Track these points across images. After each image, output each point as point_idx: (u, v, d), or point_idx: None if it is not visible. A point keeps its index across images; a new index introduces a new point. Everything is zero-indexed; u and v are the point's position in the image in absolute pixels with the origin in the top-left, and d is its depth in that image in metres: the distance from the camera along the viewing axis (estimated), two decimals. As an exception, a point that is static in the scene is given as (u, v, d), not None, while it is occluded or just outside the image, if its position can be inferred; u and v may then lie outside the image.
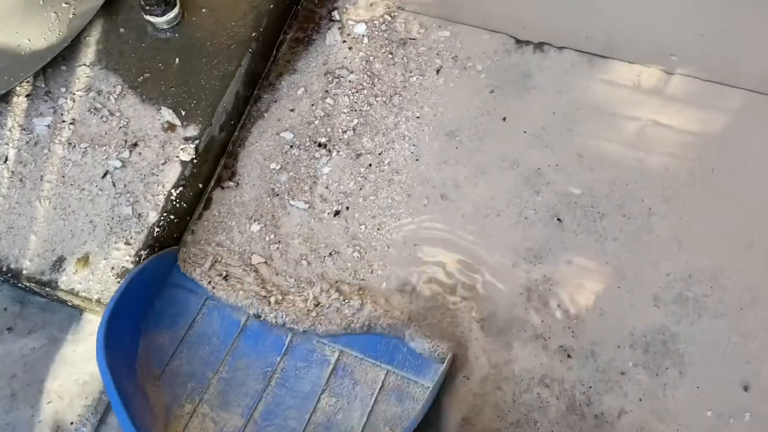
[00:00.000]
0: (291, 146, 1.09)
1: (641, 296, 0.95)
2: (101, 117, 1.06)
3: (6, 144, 1.05)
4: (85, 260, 0.97)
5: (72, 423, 0.95)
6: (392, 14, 1.18)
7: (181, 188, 1.01)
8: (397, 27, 1.17)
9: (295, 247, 1.01)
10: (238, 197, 1.06)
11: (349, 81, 1.14)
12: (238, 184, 1.08)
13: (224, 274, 0.98)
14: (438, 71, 1.13)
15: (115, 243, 0.97)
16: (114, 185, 1.01)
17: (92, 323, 1.02)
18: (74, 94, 1.08)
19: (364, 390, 0.88)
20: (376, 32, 1.17)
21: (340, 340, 0.91)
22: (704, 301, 0.94)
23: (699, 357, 0.91)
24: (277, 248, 1.01)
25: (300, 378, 0.90)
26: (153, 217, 0.98)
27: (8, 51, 1.04)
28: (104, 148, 1.04)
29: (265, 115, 1.12)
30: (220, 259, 1.00)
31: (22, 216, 1.00)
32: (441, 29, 1.17)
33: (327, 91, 1.13)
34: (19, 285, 1.00)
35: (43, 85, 1.09)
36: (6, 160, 1.04)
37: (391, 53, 1.15)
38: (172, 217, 1.00)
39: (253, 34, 1.12)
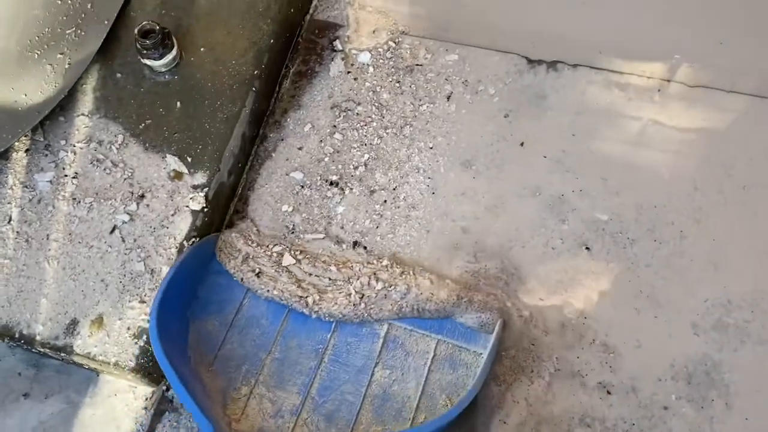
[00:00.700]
0: (302, 186, 1.05)
1: (679, 325, 0.91)
2: (104, 169, 1.02)
3: (9, 203, 1.01)
4: (99, 322, 0.93)
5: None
6: (396, 40, 1.14)
7: (193, 239, 0.97)
8: (403, 53, 1.13)
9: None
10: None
11: (357, 114, 1.10)
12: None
13: (257, 270, 0.97)
14: (449, 98, 1.09)
15: (129, 302, 0.94)
16: (123, 240, 0.97)
17: (110, 384, 0.98)
18: (74, 146, 1.04)
19: (416, 360, 0.89)
20: (381, 60, 1.13)
21: None
22: (746, 327, 0.90)
23: (745, 386, 0.87)
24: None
25: (352, 353, 0.91)
26: (166, 272, 0.95)
27: (5, 108, 1.00)
28: (110, 202, 1.00)
29: (273, 155, 1.08)
30: (251, 255, 0.98)
31: (31, 278, 0.96)
32: (448, 53, 1.12)
33: (335, 125, 1.09)
34: (33, 350, 0.97)
35: (42, 139, 1.05)
36: (10, 220, 1.00)
37: (399, 81, 1.11)
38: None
39: (255, 72, 1.08)
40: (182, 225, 0.98)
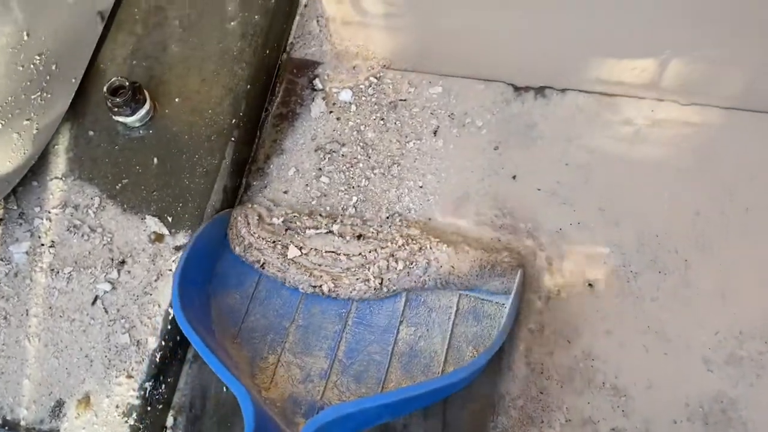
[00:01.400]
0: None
1: (691, 361, 0.88)
2: (82, 235, 0.98)
3: (-16, 278, 0.97)
4: (86, 401, 0.89)
5: None
6: (378, 75, 1.10)
7: (178, 305, 0.93)
8: (385, 89, 1.09)
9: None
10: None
11: (342, 155, 1.05)
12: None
13: (261, 261, 0.95)
14: (435, 132, 1.05)
15: (116, 377, 0.89)
16: (106, 311, 0.93)
17: (103, 460, 0.94)
18: (50, 212, 1.00)
19: (440, 316, 0.89)
20: (363, 97, 1.09)
21: None
22: (760, 359, 0.87)
23: (763, 423, 0.84)
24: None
25: (375, 314, 0.90)
26: (153, 342, 0.90)
27: (-28, 181, 0.96)
28: (90, 270, 0.96)
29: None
30: (253, 245, 0.96)
31: (12, 359, 0.92)
32: (432, 85, 1.08)
33: (320, 168, 1.05)
34: (19, 433, 0.93)
35: (15, 207, 1.01)
36: (-14, 296, 0.96)
37: (383, 119, 1.07)
38: (175, 339, 0.92)
39: (233, 121, 1.03)
40: (166, 291, 0.93)
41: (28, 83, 0.95)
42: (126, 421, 0.87)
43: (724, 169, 0.97)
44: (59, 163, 1.03)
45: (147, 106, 1.02)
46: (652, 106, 1.02)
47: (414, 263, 0.90)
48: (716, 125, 1.00)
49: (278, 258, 0.94)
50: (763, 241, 0.92)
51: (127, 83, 0.99)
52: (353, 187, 1.03)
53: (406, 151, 1.05)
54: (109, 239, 0.97)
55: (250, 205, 1.01)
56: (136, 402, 0.88)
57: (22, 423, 0.89)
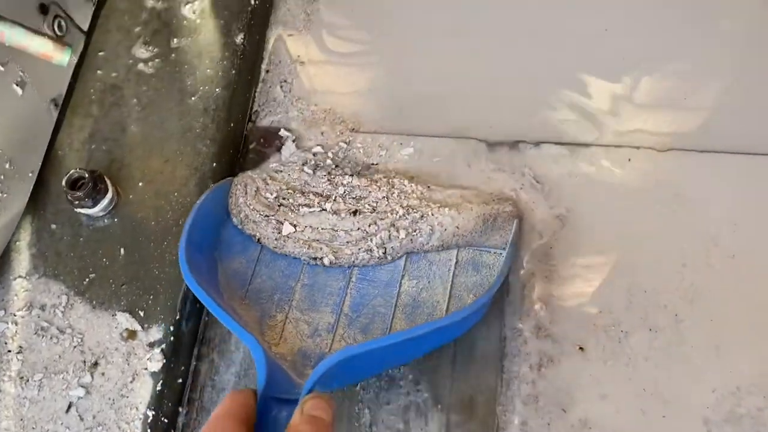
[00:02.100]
0: (269, 318, 0.98)
1: (690, 422, 0.85)
2: (51, 338, 0.93)
3: (-50, 391, 0.92)
4: None
5: None
6: (347, 140, 1.07)
7: (154, 409, 0.89)
8: (355, 153, 1.06)
9: None
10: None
11: (317, 227, 1.02)
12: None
13: (257, 237, 0.96)
14: (411, 196, 1.02)
15: (96, 491, 0.85)
16: (82, 419, 0.89)
17: None
18: (15, 315, 0.95)
19: (440, 268, 0.91)
20: (334, 164, 1.06)
21: None
22: (760, 415, 0.84)
23: (770, 483, 0.82)
24: None
25: (378, 270, 0.92)
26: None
27: (-71, 293, 0.91)
28: (62, 376, 0.91)
29: (233, 287, 1.01)
30: (249, 216, 0.96)
31: (-16, 479, 0.87)
32: (404, 147, 1.06)
33: (295, 243, 1.02)
34: None
35: (-22, 312, 0.96)
36: (-47, 411, 0.91)
37: (356, 185, 1.04)
38: (154, 441, 0.88)
39: (201, 202, 1.00)
40: (143, 391, 0.89)
41: (-19, 187, 0.91)
42: None
43: (706, 216, 0.95)
44: (22, 260, 0.99)
45: (109, 194, 0.98)
46: (629, 155, 1.00)
47: (417, 230, 0.92)
48: (694, 171, 0.98)
49: (273, 232, 0.96)
50: (750, 289, 0.90)
51: (87, 174, 0.95)
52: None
53: (381, 217, 1.01)
54: (79, 340, 0.93)
55: (250, 174, 1.01)
56: None
57: None
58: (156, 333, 0.92)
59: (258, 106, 1.14)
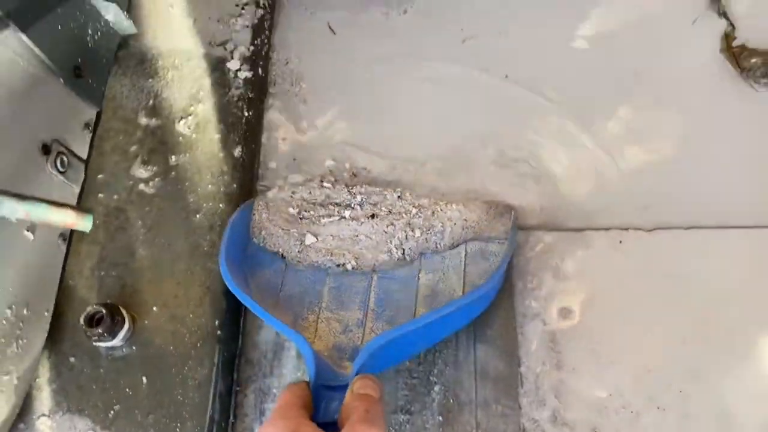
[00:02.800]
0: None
1: (706, 497, 0.91)
2: (82, 476, 0.95)
3: None
4: None
5: None
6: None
7: None
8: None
9: None
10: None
11: (331, 332, 1.06)
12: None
13: (280, 252, 1.05)
14: (418, 294, 1.07)
15: None
16: None
17: None
18: (44, 456, 0.96)
19: (453, 260, 1.00)
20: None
21: None
22: (770, 484, 0.90)
23: None
24: None
25: (396, 268, 1.02)
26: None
27: (-43, 448, 0.92)
28: None
29: (250, 398, 1.03)
30: (272, 232, 1.06)
31: None
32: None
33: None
34: None
35: (5, 457, 0.97)
36: None
37: (364, 287, 1.08)
38: None
39: (216, 322, 1.02)
40: None
41: (2, 340, 0.92)
42: None
43: (701, 293, 1.01)
44: (44, 398, 1.00)
45: (126, 325, 1.00)
46: (620, 237, 1.06)
47: (430, 228, 1.03)
48: (682, 247, 1.04)
49: (295, 245, 1.05)
50: (747, 359, 0.96)
51: (103, 310, 0.97)
52: (347, 365, 1.03)
53: (392, 317, 1.05)
54: (111, 477, 0.95)
55: (273, 194, 1.10)
56: None
57: None
58: (187, 461, 0.94)
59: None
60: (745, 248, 1.03)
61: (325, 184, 1.12)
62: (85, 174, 1.13)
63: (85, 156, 1.11)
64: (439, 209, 1.05)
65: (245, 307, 1.09)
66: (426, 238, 1.03)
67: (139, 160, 1.15)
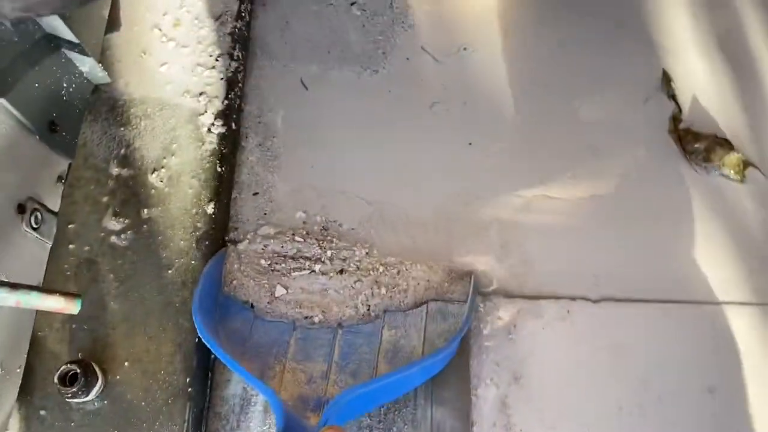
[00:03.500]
0: (260, 483, 1.06)
1: None
2: None
3: None
4: None
5: None
6: (319, 301, 1.17)
7: None
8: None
9: None
10: None
11: (297, 388, 1.12)
12: None
13: (249, 302, 1.13)
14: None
15: None
16: None
17: None
18: None
19: (414, 319, 1.08)
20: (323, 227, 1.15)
21: None
22: None
23: None
24: None
25: (360, 322, 1.10)
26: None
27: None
28: None
29: (224, 456, 1.09)
30: (243, 284, 1.13)
31: None
32: (371, 304, 1.16)
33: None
34: None
35: None
36: None
37: (330, 345, 1.14)
38: None
39: (188, 379, 1.06)
40: None
41: (-23, 407, 0.94)
42: None
43: (638, 362, 1.11)
44: (13, 452, 1.03)
45: (99, 380, 1.03)
46: (567, 306, 1.15)
47: (395, 286, 1.12)
48: (626, 319, 1.14)
49: (266, 296, 1.13)
50: (675, 427, 1.07)
51: (77, 369, 1.00)
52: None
53: (356, 375, 1.12)
54: None
55: (244, 245, 1.16)
56: None
57: None
58: None
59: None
60: (688, 322, 1.14)
61: (297, 238, 1.17)
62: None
63: (57, 209, 1.12)
64: (404, 268, 1.14)
65: (214, 361, 1.14)
66: (391, 296, 1.12)
67: (111, 211, 1.16)
